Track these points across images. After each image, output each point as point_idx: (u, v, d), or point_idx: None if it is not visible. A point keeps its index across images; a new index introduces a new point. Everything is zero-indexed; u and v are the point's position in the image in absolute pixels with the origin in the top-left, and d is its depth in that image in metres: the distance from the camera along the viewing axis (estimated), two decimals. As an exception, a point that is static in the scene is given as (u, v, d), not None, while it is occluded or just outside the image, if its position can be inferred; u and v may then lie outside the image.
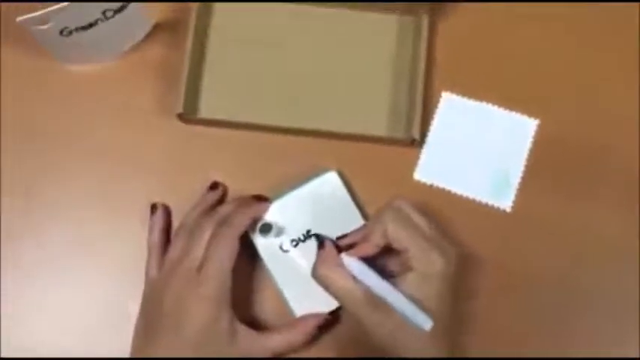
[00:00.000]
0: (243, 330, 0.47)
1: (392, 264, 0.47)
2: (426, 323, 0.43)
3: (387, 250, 0.46)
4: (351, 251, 0.46)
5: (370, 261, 0.45)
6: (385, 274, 0.45)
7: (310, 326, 0.48)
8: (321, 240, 0.47)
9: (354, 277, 0.44)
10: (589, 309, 0.52)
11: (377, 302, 0.44)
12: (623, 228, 0.53)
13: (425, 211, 0.47)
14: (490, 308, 0.52)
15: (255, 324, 0.50)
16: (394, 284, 0.44)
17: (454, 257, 0.45)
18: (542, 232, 0.53)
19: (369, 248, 0.45)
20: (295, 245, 0.51)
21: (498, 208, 0.53)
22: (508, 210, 0.53)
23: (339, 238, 0.48)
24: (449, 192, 0.53)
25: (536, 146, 0.54)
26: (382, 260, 0.46)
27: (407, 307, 0.43)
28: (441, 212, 0.53)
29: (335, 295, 0.45)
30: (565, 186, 0.54)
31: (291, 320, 0.49)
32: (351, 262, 0.45)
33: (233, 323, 0.46)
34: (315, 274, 0.46)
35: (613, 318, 0.52)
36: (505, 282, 0.52)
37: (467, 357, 0.45)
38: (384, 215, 0.45)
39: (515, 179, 0.54)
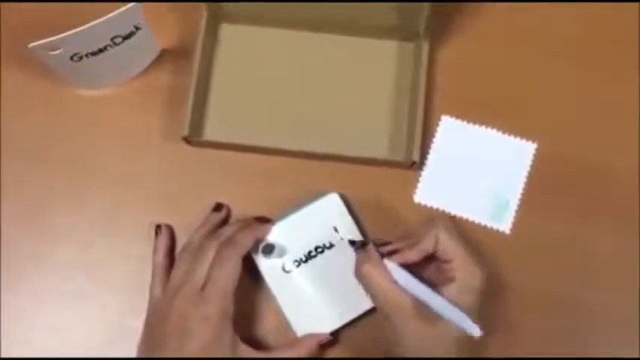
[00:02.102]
0: (244, 349, 0.47)
1: (429, 273, 0.47)
2: (475, 331, 0.43)
3: (428, 259, 0.46)
4: (396, 256, 0.46)
5: (408, 268, 0.45)
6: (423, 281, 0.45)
7: (310, 346, 0.49)
8: (362, 242, 0.47)
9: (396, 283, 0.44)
10: (591, 329, 0.52)
11: (423, 311, 0.44)
12: (623, 248, 0.54)
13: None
14: (491, 329, 0.51)
15: (257, 343, 0.51)
16: (438, 292, 0.44)
17: (486, 275, 0.46)
18: (541, 253, 0.54)
19: (416, 254, 0.45)
20: (297, 266, 0.51)
21: (497, 230, 0.54)
22: (507, 232, 0.54)
23: (378, 245, 0.47)
24: (448, 214, 0.54)
25: (535, 169, 0.55)
26: (418, 269, 0.46)
27: (456, 314, 0.43)
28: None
29: (377, 296, 0.45)
30: (563, 208, 0.54)
31: (292, 339, 0.50)
32: (394, 267, 0.45)
33: (235, 342, 0.47)
34: (358, 273, 0.46)
35: (615, 337, 0.52)
36: (505, 303, 0.52)
37: (468, 357, 0.45)
38: (435, 224, 0.46)
39: (514, 202, 0.54)
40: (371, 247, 0.46)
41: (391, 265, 0.45)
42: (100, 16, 0.48)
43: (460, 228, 0.54)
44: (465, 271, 0.45)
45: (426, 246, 0.45)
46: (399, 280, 0.44)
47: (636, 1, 0.58)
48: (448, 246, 0.45)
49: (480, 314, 0.44)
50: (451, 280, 0.45)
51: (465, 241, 0.46)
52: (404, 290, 0.44)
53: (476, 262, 0.45)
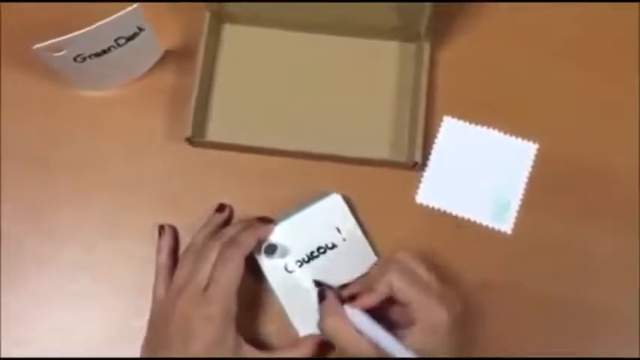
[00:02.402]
0: (247, 349, 0.47)
1: (394, 314, 0.47)
2: None
3: (389, 301, 0.46)
4: (355, 302, 0.46)
5: (372, 311, 0.45)
6: (388, 324, 0.45)
7: (312, 345, 0.49)
8: (321, 290, 0.48)
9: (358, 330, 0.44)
10: (592, 329, 0.53)
11: (385, 356, 0.44)
12: (624, 248, 0.54)
13: (426, 254, 0.48)
14: (493, 330, 0.52)
15: (259, 343, 0.51)
16: (399, 337, 0.44)
17: (457, 304, 0.45)
18: (542, 253, 0.54)
19: (373, 299, 0.46)
20: (300, 266, 0.52)
21: (499, 231, 0.54)
22: (509, 232, 0.54)
23: (340, 288, 0.48)
24: (450, 214, 0.55)
25: (536, 170, 0.55)
26: (384, 310, 0.47)
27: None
28: (442, 234, 0.54)
29: (343, 349, 0.45)
30: (564, 208, 0.55)
31: (294, 339, 0.50)
32: (355, 313, 0.45)
33: (238, 343, 0.47)
34: (322, 327, 0.46)
35: (616, 338, 0.53)
36: (507, 303, 0.53)
37: (467, 357, 0.45)
38: (388, 267, 0.46)
39: (516, 202, 0.55)
40: (331, 296, 0.47)
41: (351, 310, 0.45)
42: (100, 17, 0.48)
43: (461, 228, 0.54)
44: (425, 313, 0.44)
45: (381, 290, 0.45)
46: (359, 326, 0.45)
47: (636, 1, 0.58)
48: (402, 290, 0.45)
49: (459, 348, 0.44)
50: (413, 322, 0.45)
51: (426, 278, 0.46)
52: (364, 336, 0.44)
53: (438, 303, 0.44)
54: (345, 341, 0.45)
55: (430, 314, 0.44)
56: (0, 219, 0.54)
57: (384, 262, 0.47)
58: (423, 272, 0.46)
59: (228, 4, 0.55)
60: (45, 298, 0.53)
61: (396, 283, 0.45)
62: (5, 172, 0.55)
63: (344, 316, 0.45)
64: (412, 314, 0.45)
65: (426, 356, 0.43)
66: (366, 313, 0.45)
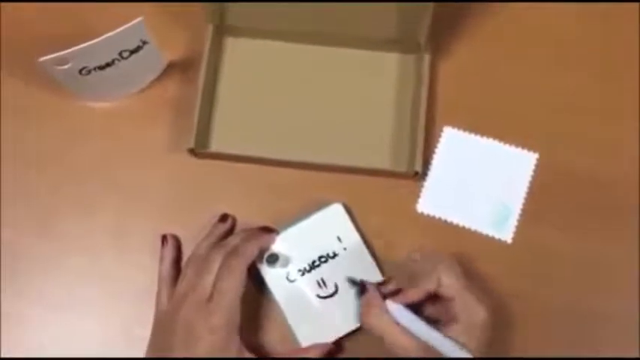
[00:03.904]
0: (250, 358, 0.48)
1: (433, 310, 0.48)
2: None
3: (430, 297, 0.47)
4: (398, 297, 0.46)
5: (411, 307, 0.46)
6: (425, 319, 0.46)
7: (315, 355, 0.49)
8: (363, 283, 0.48)
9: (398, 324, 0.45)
10: (593, 337, 0.53)
11: (429, 351, 0.44)
12: (625, 257, 0.54)
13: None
14: (494, 338, 0.52)
15: (262, 352, 0.51)
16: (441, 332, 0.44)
17: (491, 310, 0.46)
18: (542, 262, 0.54)
19: (418, 294, 0.46)
20: (302, 275, 0.52)
21: (499, 240, 0.55)
22: (509, 241, 0.54)
23: (380, 284, 0.48)
24: (451, 223, 0.55)
25: (536, 179, 0.55)
26: (422, 306, 0.47)
27: (460, 354, 0.43)
28: (443, 243, 0.54)
29: (389, 343, 0.45)
30: (564, 218, 0.55)
31: (296, 349, 0.50)
32: (398, 309, 0.45)
33: (241, 352, 0.47)
34: (364, 321, 0.46)
35: (618, 346, 0.53)
36: (507, 312, 0.53)
37: (474, 358, 0.45)
38: (439, 265, 0.46)
39: (516, 211, 0.55)
40: (372, 289, 0.47)
41: (394, 306, 0.46)
42: (104, 31, 0.49)
43: (462, 238, 0.54)
44: (467, 311, 0.45)
45: (428, 286, 0.46)
46: (402, 321, 0.45)
47: (636, 1, 0.59)
48: (450, 286, 0.46)
49: (491, 350, 0.45)
50: (454, 318, 0.45)
51: (466, 278, 0.46)
52: (408, 332, 0.45)
53: (478, 300, 0.46)
54: (392, 336, 0.45)
55: (472, 312, 0.45)
56: (5, 227, 0.55)
57: (427, 259, 0.48)
58: (460, 273, 0.47)
59: (230, 17, 0.56)
60: (49, 305, 0.53)
61: (445, 280, 0.46)
62: (11, 181, 0.56)
63: (385, 309, 0.45)
64: (454, 311, 0.45)
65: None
66: (408, 309, 0.45)
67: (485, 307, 0.45)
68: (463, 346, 0.44)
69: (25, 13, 0.59)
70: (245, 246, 0.50)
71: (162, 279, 0.52)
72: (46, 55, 0.49)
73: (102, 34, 0.49)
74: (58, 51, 0.49)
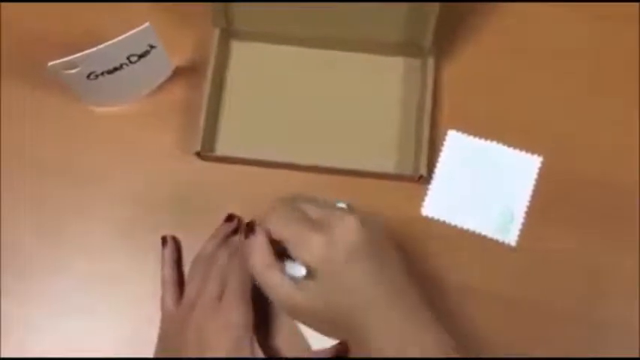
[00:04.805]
0: (264, 358, 0.47)
1: None
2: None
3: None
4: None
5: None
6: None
7: (324, 356, 0.49)
8: (252, 224, 0.46)
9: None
10: (598, 342, 0.53)
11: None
12: (630, 261, 0.54)
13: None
14: (498, 342, 0.52)
15: (271, 352, 0.51)
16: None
17: (353, 223, 0.43)
18: (547, 266, 0.54)
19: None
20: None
21: (503, 243, 0.55)
22: (513, 244, 0.55)
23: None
24: (455, 227, 0.55)
25: (541, 183, 0.56)
26: None
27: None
28: (448, 246, 0.54)
29: (270, 291, 0.44)
30: (569, 221, 0.55)
31: (306, 351, 0.49)
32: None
33: (255, 348, 0.47)
34: (252, 264, 0.45)
35: (624, 350, 0.53)
36: (511, 316, 0.53)
37: (468, 357, 0.44)
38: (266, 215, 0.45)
39: (520, 215, 0.55)
40: (262, 233, 0.45)
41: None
42: (112, 36, 0.49)
43: (466, 241, 0.54)
44: (299, 245, 0.43)
45: (260, 232, 0.45)
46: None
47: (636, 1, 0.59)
48: (275, 232, 0.44)
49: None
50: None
51: (310, 209, 0.44)
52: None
53: (310, 229, 0.43)
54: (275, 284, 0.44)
55: (304, 244, 0.43)
56: (11, 230, 0.55)
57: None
58: (313, 210, 0.45)
59: (236, 21, 0.56)
60: (55, 308, 0.54)
61: (268, 226, 0.45)
62: (17, 185, 0.56)
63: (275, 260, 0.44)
64: (291, 252, 0.44)
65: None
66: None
67: (321, 232, 0.43)
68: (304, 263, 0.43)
69: (31, 17, 0.59)
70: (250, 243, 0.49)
71: (166, 282, 0.52)
72: (53, 59, 0.49)
73: (109, 39, 0.49)
74: (63, 55, 0.49)
